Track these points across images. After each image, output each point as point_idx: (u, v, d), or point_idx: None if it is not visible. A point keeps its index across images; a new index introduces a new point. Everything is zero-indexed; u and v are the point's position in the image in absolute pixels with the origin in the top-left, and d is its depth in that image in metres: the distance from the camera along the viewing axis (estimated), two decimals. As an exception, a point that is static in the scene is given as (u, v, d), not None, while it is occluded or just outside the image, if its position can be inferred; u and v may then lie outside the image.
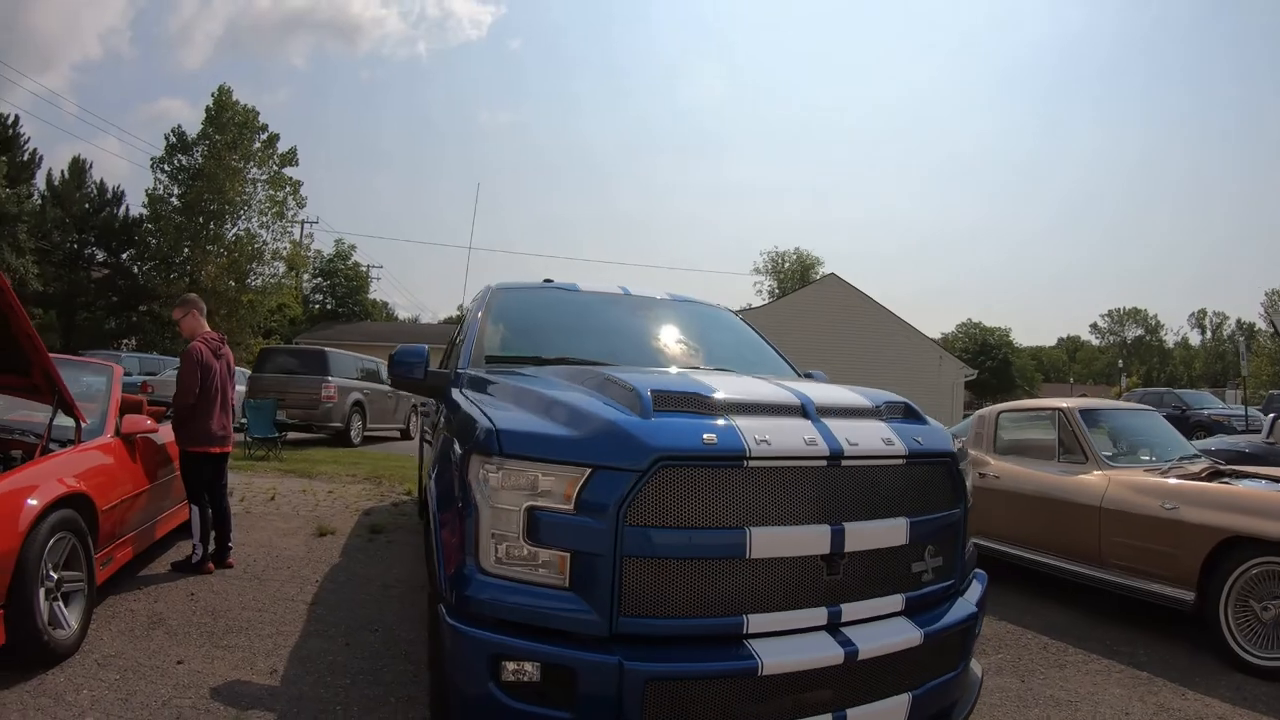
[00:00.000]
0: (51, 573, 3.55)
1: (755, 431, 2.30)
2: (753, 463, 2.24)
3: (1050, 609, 5.25)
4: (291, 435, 14.35)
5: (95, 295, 32.80)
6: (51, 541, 3.51)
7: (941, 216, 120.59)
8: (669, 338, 4.31)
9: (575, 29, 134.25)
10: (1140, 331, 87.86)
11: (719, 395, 2.48)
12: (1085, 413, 5.57)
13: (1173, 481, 4.77)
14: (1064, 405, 5.65)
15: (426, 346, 3.77)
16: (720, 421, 2.34)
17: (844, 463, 2.37)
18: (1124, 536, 4.79)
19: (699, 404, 2.43)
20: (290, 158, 34.17)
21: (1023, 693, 3.83)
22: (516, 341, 4.03)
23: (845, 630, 2.34)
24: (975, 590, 2.91)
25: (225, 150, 31.93)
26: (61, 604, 3.63)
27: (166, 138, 33.11)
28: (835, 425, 2.45)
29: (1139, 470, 5.08)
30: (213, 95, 32.65)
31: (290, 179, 34.33)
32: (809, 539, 2.30)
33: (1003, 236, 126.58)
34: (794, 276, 59.31)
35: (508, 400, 2.78)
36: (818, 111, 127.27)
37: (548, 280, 4.68)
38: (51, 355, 4.01)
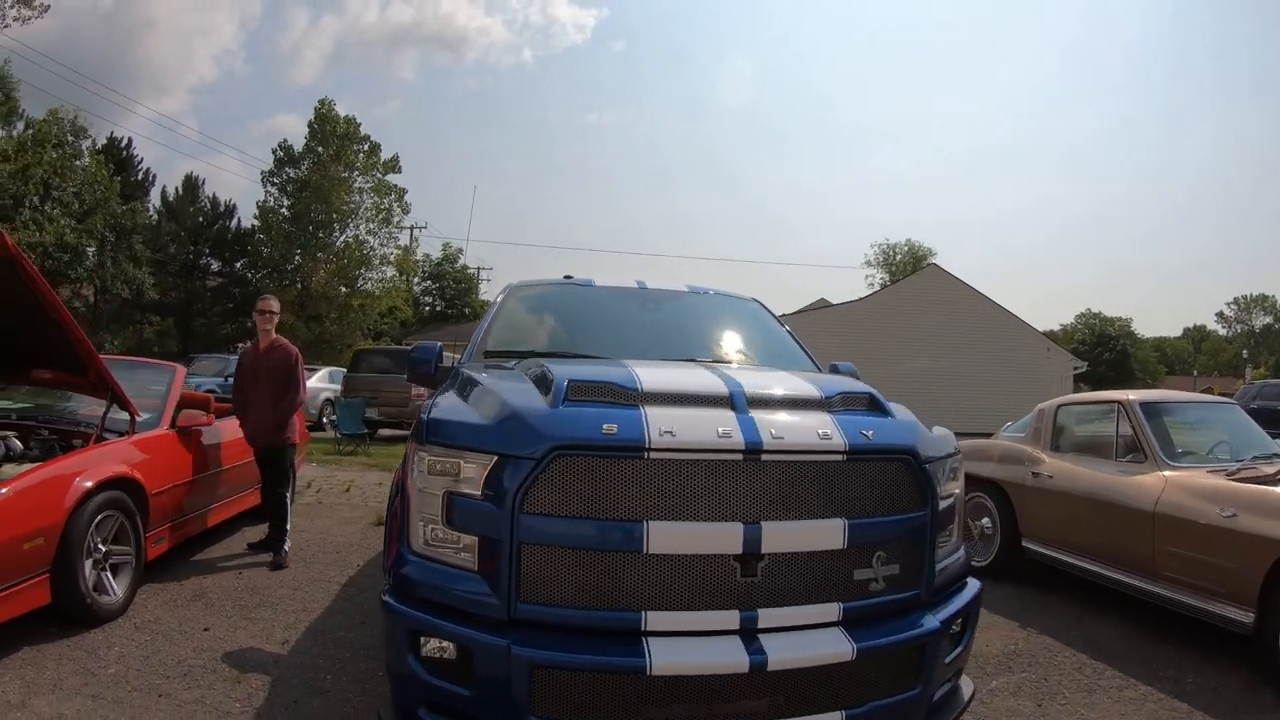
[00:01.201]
0: (100, 545, 4.11)
1: (663, 422, 2.30)
2: (654, 454, 2.24)
3: (1100, 623, 4.99)
4: (385, 432, 15.31)
5: (211, 302, 35.47)
6: (99, 518, 4.07)
7: (1066, 208, 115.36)
8: (671, 330, 4.30)
9: (676, 26, 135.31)
10: (1269, 319, 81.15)
11: (642, 385, 2.49)
12: (1148, 405, 5.21)
13: (1235, 485, 4.40)
14: (1124, 397, 5.33)
15: (440, 344, 4.04)
16: (629, 411, 2.35)
17: (764, 457, 2.30)
18: (1177, 546, 4.47)
19: (615, 394, 2.46)
20: (393, 165, 35.97)
21: (1035, 719, 3.65)
22: (518, 336, 4.15)
23: (761, 637, 2.26)
24: (955, 604, 2.70)
25: (329, 161, 33.91)
26: (109, 574, 4.20)
27: (274, 152, 35.42)
28: (763, 417, 2.40)
29: (1202, 471, 4.66)
30: (315, 109, 34.70)
31: (395, 186, 36.11)
32: (717, 537, 2.26)
33: (1127, 226, 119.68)
34: (905, 269, 57.78)
35: (462, 392, 2.87)
36: (935, 104, 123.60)
37: (567, 276, 4.87)
38: (120, 357, 4.58)
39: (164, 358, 21.12)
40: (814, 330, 25.28)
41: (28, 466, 4.00)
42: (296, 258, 34.69)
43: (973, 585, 2.90)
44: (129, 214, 29.27)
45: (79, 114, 28.49)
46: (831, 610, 2.36)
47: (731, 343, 4.26)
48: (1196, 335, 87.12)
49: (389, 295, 36.87)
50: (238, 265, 37.17)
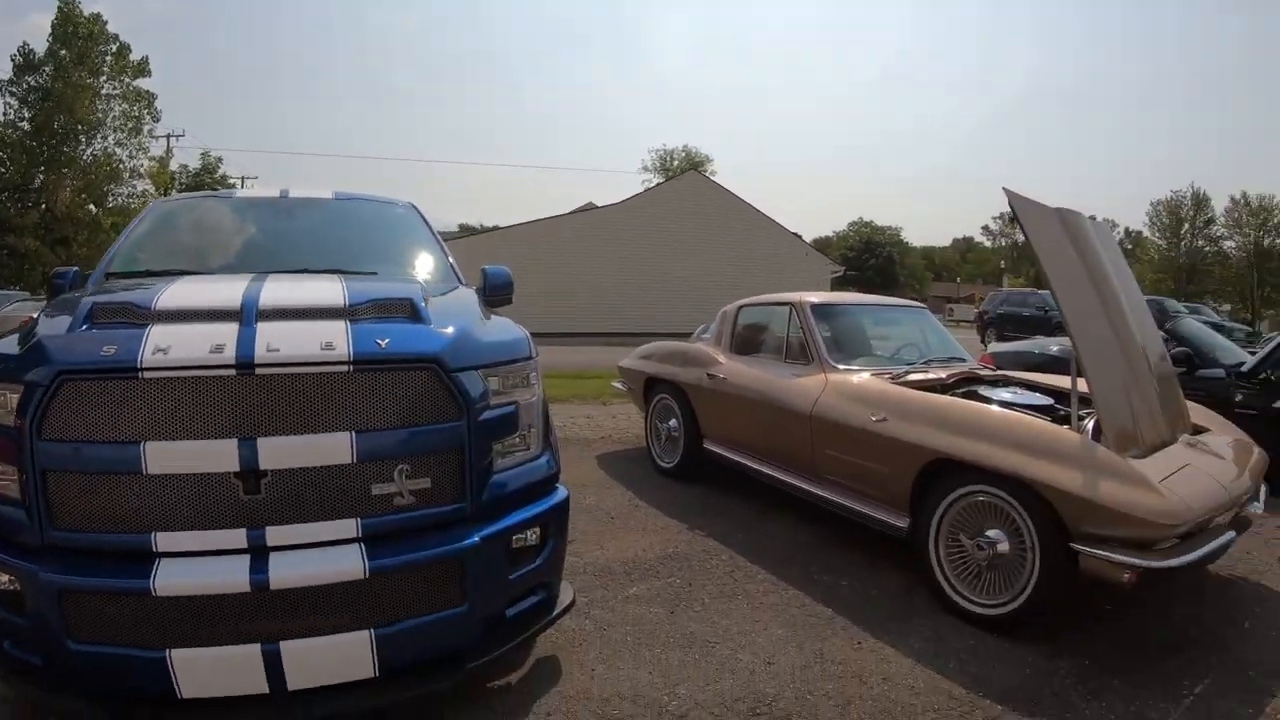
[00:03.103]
0: None
1: (161, 340, 2.23)
2: (148, 374, 2.18)
3: (773, 527, 4.76)
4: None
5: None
6: None
7: (850, 123, 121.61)
8: (298, 239, 4.03)
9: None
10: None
11: (157, 303, 2.42)
12: (819, 307, 5.04)
13: (887, 388, 4.19)
14: (796, 299, 5.11)
15: (76, 269, 3.82)
16: (134, 331, 2.28)
17: (258, 371, 2.23)
18: (834, 449, 4.26)
19: (130, 314, 2.38)
20: (142, 69, 32.17)
21: (654, 629, 3.34)
22: (145, 256, 3.78)
23: (272, 556, 2.22)
24: (514, 517, 2.59)
25: (73, 66, 30.03)
26: None
27: (13, 59, 30.95)
28: (268, 329, 2.31)
29: (866, 374, 4.48)
30: (58, 8, 30.50)
31: (145, 92, 32.67)
32: (212, 455, 2.20)
33: (916, 141, 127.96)
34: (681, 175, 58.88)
35: (34, 323, 2.63)
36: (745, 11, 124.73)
37: (213, 189, 4.56)
38: None
39: None
40: (579, 234, 24.92)
41: None
42: (39, 177, 30.32)
43: (555, 496, 2.80)
44: None
45: None
46: (348, 526, 2.30)
47: (356, 250, 3.96)
48: (963, 246, 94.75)
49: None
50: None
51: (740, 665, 3.06)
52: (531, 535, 2.65)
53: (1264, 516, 3.97)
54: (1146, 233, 61.07)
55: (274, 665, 2.20)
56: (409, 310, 2.59)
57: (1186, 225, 57.24)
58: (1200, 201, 56.86)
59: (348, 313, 2.50)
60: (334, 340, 2.32)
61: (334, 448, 2.26)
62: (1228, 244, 56.24)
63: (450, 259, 3.98)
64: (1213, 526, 3.30)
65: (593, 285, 24.16)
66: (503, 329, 2.88)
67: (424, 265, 3.89)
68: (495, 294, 3.68)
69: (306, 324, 2.40)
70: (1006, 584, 3.35)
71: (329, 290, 2.68)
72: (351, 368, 2.29)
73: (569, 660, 3.04)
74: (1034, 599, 3.23)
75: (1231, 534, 3.38)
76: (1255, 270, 52.85)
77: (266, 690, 2.23)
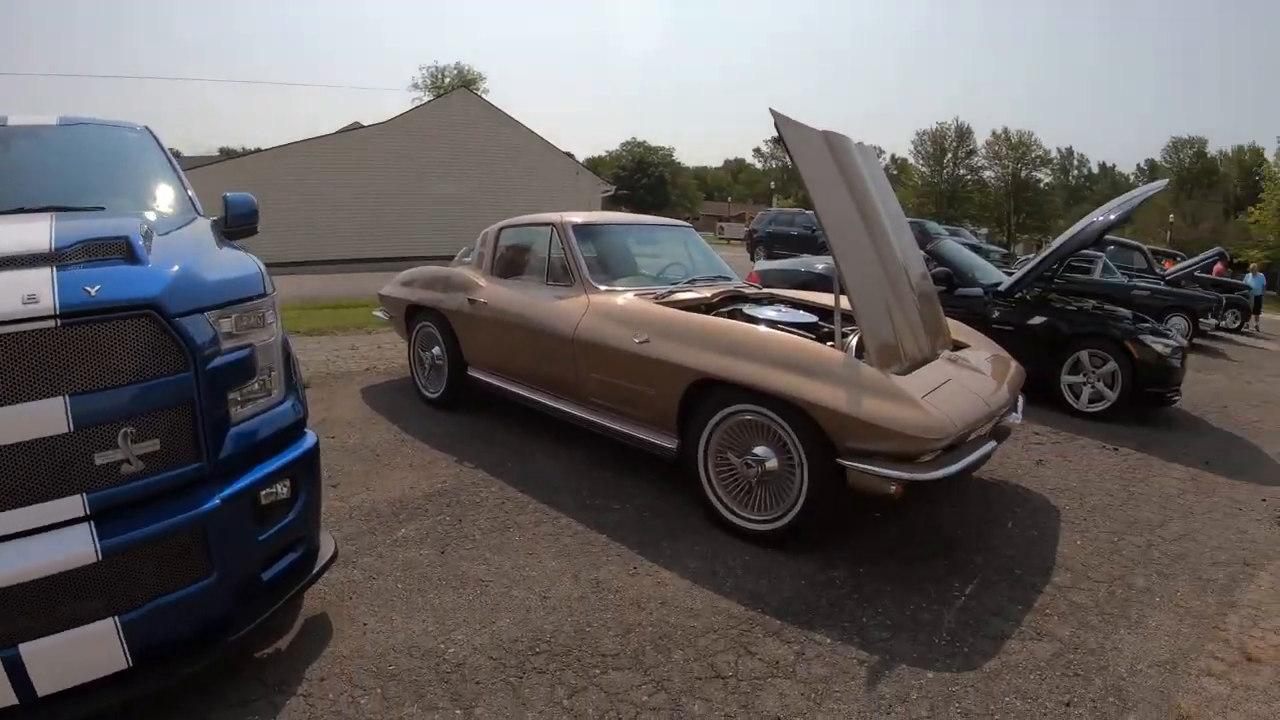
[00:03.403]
0: None
1: None
2: None
3: (544, 452, 4.70)
4: None
5: None
6: None
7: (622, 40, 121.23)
8: (16, 173, 3.49)
9: None
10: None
11: None
12: (581, 228, 4.90)
13: (649, 309, 4.16)
14: (558, 219, 4.94)
15: None
16: None
17: None
18: (599, 372, 4.23)
19: None
20: None
21: (426, 572, 3.20)
22: None
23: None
24: (258, 472, 2.40)
25: None
26: None
27: None
28: None
29: (630, 295, 4.42)
30: None
31: None
32: None
33: (690, 62, 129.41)
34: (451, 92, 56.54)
35: None
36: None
37: None
38: None
39: None
40: (345, 155, 22.97)
41: None
42: None
43: (303, 443, 2.62)
44: None
45: None
46: (73, 505, 2.08)
47: (81, 182, 3.53)
48: (735, 167, 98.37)
49: None
50: None
51: (516, 603, 3.00)
52: (281, 489, 2.50)
53: (1022, 425, 4.38)
54: (911, 160, 66.76)
55: (17, 672, 2.00)
56: (124, 250, 2.32)
57: (949, 155, 63.61)
58: (963, 134, 63.58)
59: (55, 258, 2.20)
60: (38, 291, 2.04)
61: (47, 417, 2.02)
62: (987, 174, 64.56)
63: (189, 189, 3.61)
64: (974, 438, 3.58)
65: (359, 208, 22.51)
66: (234, 264, 2.62)
67: (157, 196, 3.51)
68: (238, 224, 3.36)
69: (6, 275, 2.10)
70: (777, 500, 3.51)
71: (35, 232, 2.35)
72: (59, 322, 2.03)
73: (339, 616, 2.87)
74: (804, 513, 3.40)
75: (992, 444, 3.65)
76: (1012, 198, 60.60)
77: (15, 701, 2.03)
